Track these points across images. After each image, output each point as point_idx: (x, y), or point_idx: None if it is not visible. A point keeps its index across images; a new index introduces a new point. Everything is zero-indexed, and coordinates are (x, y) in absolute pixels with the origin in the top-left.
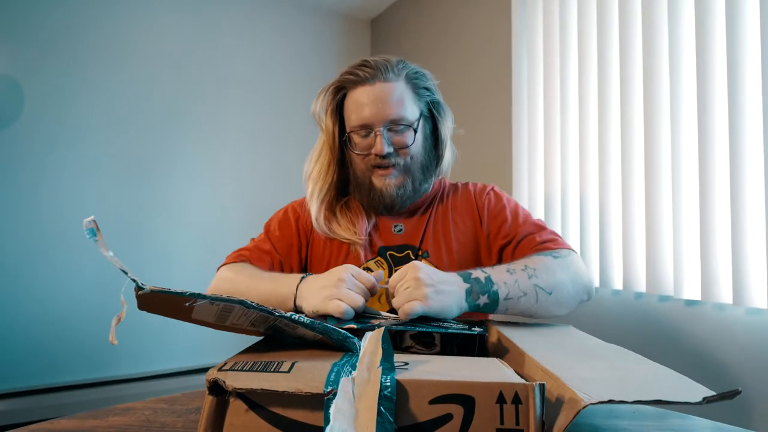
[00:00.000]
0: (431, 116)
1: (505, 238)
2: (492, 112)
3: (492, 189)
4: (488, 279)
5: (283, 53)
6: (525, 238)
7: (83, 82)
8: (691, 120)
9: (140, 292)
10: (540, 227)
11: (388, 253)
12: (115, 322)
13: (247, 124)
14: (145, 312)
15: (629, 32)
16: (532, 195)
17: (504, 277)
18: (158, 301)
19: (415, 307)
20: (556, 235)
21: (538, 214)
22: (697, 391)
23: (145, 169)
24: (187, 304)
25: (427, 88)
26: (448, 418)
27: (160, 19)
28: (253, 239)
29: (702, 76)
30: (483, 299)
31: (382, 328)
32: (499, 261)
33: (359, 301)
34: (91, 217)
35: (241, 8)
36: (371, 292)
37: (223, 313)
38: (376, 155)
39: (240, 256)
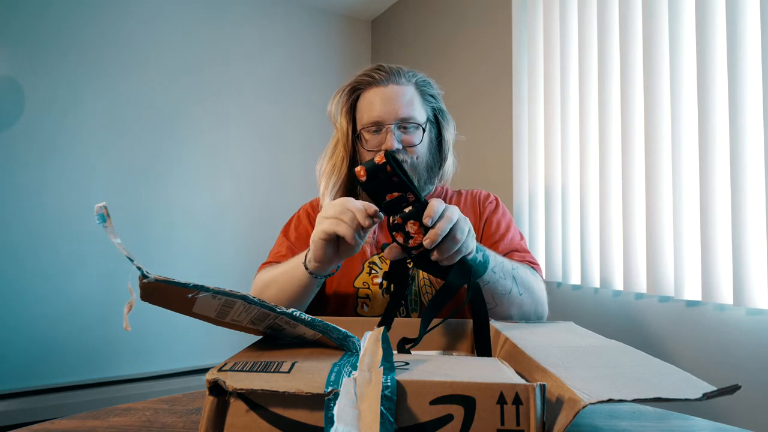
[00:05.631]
0: (436, 122)
1: (490, 243)
2: (492, 112)
3: (495, 198)
4: (481, 246)
5: (284, 53)
6: (509, 254)
7: (85, 82)
8: (692, 121)
9: (144, 281)
10: (525, 249)
11: None
12: (127, 309)
13: (248, 123)
14: (145, 313)
15: (630, 32)
16: (532, 196)
17: (492, 252)
18: (161, 292)
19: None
20: (536, 260)
21: (538, 215)
22: (697, 387)
23: (146, 169)
24: (189, 295)
25: (432, 96)
26: (448, 418)
27: (161, 21)
28: (271, 252)
29: (702, 77)
30: (479, 255)
31: (381, 328)
32: None
33: (345, 228)
34: (103, 203)
35: (242, 9)
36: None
37: (224, 308)
38: (386, 151)
39: (264, 265)
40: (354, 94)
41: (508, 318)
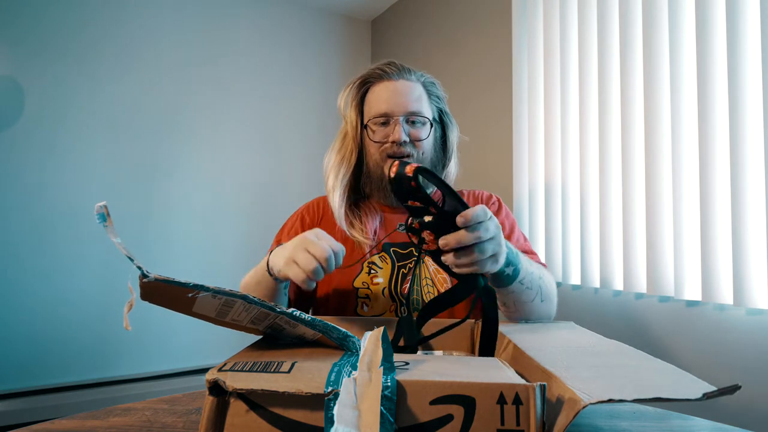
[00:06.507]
0: (440, 123)
1: None
2: (492, 112)
3: (498, 199)
4: (516, 254)
5: (284, 53)
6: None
7: (85, 82)
8: (692, 121)
9: (145, 280)
10: (532, 250)
11: (392, 249)
12: (127, 309)
13: (248, 123)
14: (146, 313)
15: (630, 31)
16: (532, 196)
17: (525, 263)
18: (161, 292)
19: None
20: (542, 261)
21: (538, 215)
22: (697, 387)
23: (146, 169)
24: (189, 295)
25: (438, 97)
26: (448, 418)
27: (161, 21)
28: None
29: (702, 76)
30: (509, 269)
31: (381, 328)
32: None
33: (312, 264)
34: (103, 203)
35: (242, 9)
36: (335, 256)
37: (224, 307)
38: (393, 142)
39: None
40: (364, 87)
41: (520, 320)
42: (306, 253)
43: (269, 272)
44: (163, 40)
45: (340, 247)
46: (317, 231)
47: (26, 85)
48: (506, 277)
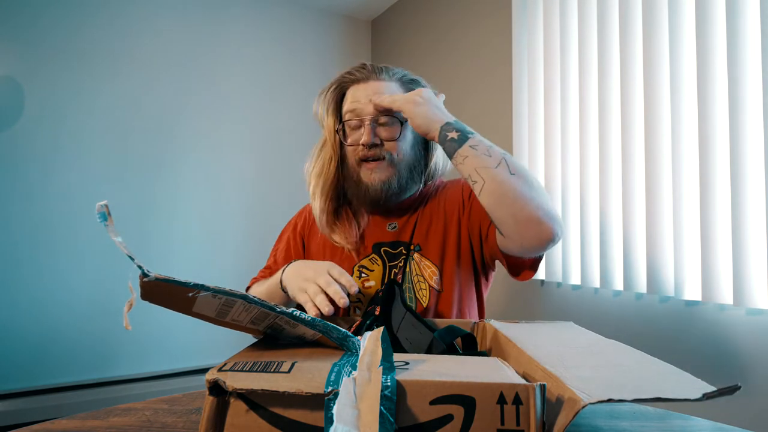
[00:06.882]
0: None
1: (485, 218)
2: (492, 112)
3: None
4: (467, 128)
5: (284, 53)
6: None
7: (84, 82)
8: (692, 121)
9: (145, 280)
10: None
11: (382, 249)
12: (127, 308)
13: (248, 123)
14: (146, 312)
15: (630, 31)
16: None
17: (482, 139)
18: (161, 291)
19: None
20: None
21: None
22: (697, 387)
23: (145, 168)
24: (190, 294)
25: None
26: (448, 418)
27: (160, 20)
28: (265, 266)
29: (702, 76)
30: (453, 134)
31: (381, 328)
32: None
33: (326, 307)
34: (104, 202)
35: (241, 9)
36: (348, 294)
37: (224, 307)
38: (363, 145)
39: (253, 281)
40: (339, 92)
41: (509, 212)
42: (316, 288)
43: (283, 290)
44: (162, 39)
45: (352, 285)
46: (339, 270)
47: (26, 85)
48: (451, 142)
